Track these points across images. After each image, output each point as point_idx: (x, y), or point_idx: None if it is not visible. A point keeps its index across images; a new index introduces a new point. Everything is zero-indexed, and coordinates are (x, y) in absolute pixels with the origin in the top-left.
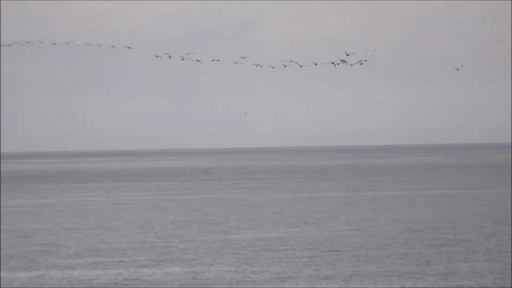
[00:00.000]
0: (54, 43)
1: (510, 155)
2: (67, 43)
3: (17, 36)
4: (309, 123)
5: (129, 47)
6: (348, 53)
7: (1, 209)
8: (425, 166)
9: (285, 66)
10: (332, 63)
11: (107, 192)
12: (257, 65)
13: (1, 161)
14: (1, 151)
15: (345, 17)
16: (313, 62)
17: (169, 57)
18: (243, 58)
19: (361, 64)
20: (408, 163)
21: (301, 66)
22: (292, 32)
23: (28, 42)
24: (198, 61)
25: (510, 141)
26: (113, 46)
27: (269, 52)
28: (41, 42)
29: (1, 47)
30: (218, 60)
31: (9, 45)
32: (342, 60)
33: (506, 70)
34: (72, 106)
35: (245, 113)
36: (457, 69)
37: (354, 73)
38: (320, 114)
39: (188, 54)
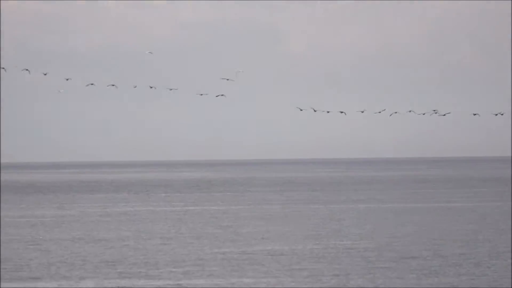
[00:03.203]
0: (68, 79)
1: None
2: (90, 84)
3: (42, 44)
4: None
5: (151, 87)
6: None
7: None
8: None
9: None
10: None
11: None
12: (151, 87)
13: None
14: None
15: (366, 27)
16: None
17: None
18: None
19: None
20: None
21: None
22: (315, 42)
23: (27, 70)
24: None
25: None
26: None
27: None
28: (45, 74)
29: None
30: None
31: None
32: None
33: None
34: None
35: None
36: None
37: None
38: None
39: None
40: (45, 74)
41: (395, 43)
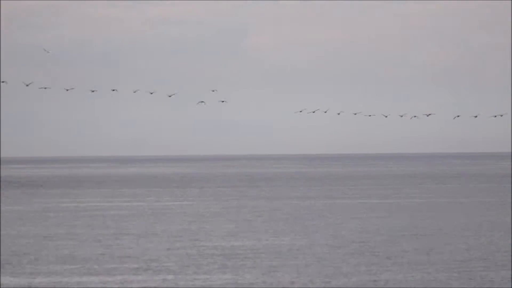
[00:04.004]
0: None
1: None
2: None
3: (16, 39)
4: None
5: (113, 90)
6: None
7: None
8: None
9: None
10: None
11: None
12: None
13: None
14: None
15: (334, 25)
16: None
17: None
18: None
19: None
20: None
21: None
22: (282, 38)
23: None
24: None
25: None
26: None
27: (260, 58)
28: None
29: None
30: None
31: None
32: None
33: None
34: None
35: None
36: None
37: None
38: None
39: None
40: (45, 88)
41: (362, 40)
